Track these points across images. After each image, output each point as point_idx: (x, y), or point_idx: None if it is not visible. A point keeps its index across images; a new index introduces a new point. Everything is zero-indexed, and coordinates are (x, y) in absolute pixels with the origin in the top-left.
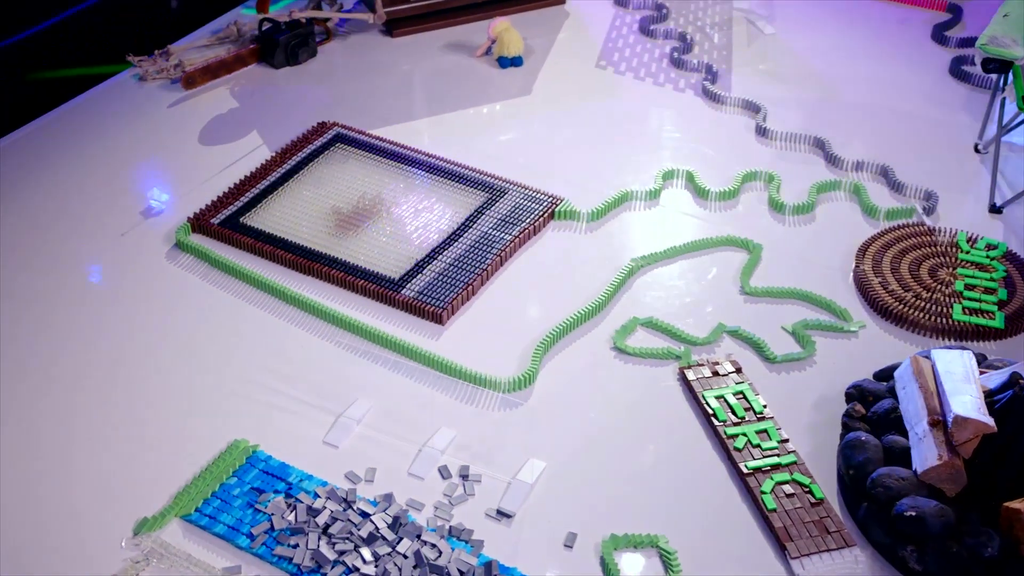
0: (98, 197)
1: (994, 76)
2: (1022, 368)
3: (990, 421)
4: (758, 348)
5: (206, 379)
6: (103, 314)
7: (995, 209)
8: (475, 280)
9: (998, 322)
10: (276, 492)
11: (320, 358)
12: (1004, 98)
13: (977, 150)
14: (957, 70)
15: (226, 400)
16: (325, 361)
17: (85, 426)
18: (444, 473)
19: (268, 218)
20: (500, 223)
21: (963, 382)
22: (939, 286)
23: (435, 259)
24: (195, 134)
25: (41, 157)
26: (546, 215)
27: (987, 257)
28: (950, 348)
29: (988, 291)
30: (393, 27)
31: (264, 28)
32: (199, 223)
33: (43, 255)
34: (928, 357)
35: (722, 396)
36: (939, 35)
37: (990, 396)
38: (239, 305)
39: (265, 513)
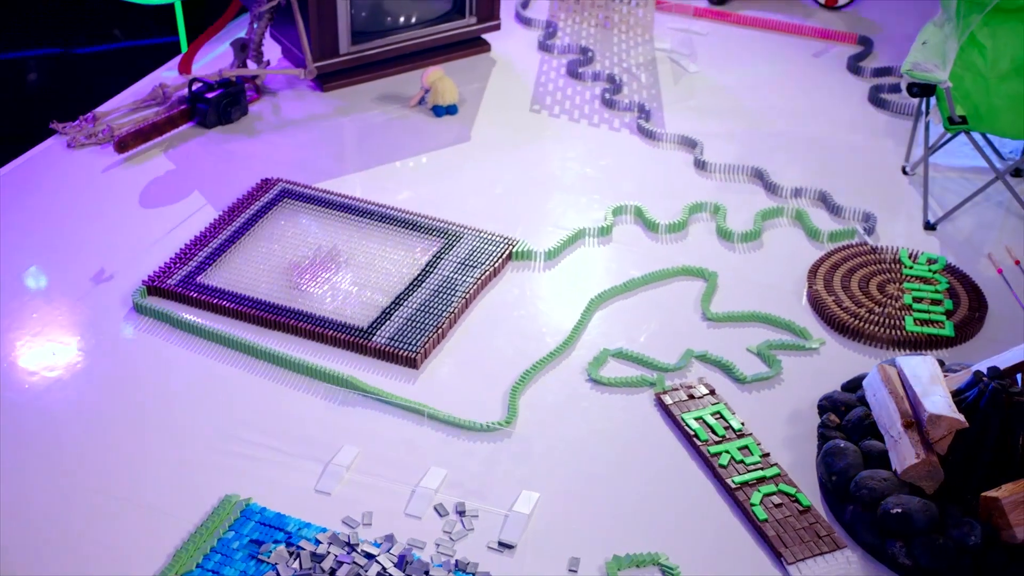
0: (48, 264)
1: (915, 101)
2: (981, 368)
3: (961, 417)
4: (727, 370)
5: (188, 438)
6: (69, 381)
7: (929, 226)
8: (444, 323)
9: (948, 331)
10: (276, 542)
11: (299, 409)
12: (929, 120)
13: (904, 172)
14: (876, 98)
15: (211, 457)
16: (304, 412)
17: (66, 493)
18: (440, 511)
19: (225, 276)
20: (460, 266)
21: (931, 384)
22: (889, 300)
23: (401, 305)
24: (135, 197)
25: None
26: (504, 256)
27: (929, 271)
28: (912, 356)
29: (935, 302)
30: (324, 81)
31: (195, 88)
32: (155, 286)
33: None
34: (893, 365)
35: (700, 417)
36: (854, 66)
37: (957, 395)
38: (208, 363)
39: (269, 563)
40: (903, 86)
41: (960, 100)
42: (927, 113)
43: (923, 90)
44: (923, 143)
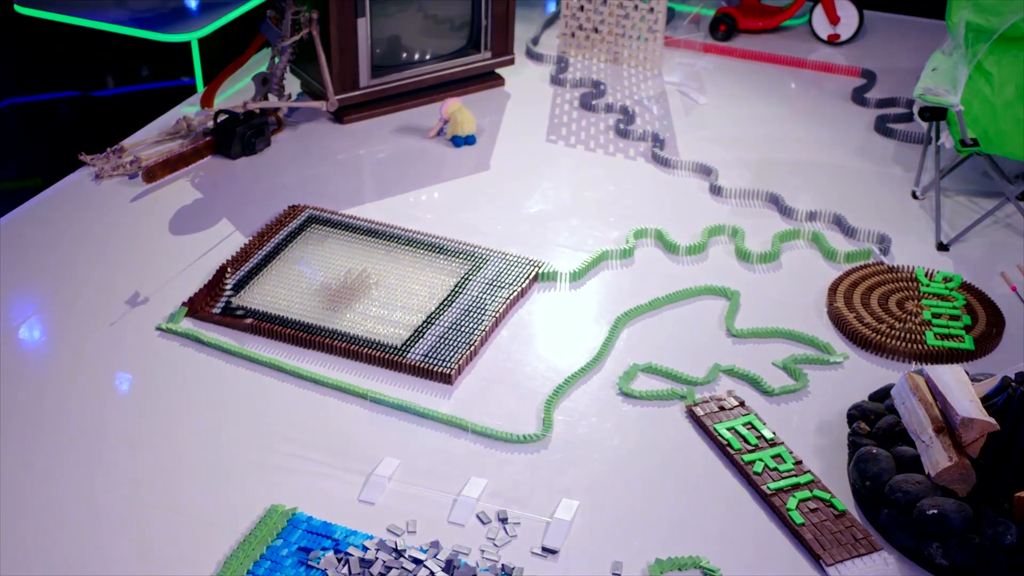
0: (78, 292)
1: (922, 130)
2: (1009, 375)
3: (993, 420)
4: (755, 383)
5: (232, 452)
6: (112, 400)
7: (942, 247)
8: (476, 340)
9: (968, 344)
10: (324, 549)
11: (338, 424)
12: (941, 144)
13: (915, 196)
14: (882, 127)
15: (255, 470)
16: (343, 427)
17: (113, 506)
18: (483, 518)
19: (259, 298)
20: (488, 287)
21: (960, 390)
22: (909, 316)
23: (433, 324)
24: (164, 225)
25: (8, 258)
26: (530, 278)
27: (946, 288)
28: (938, 366)
29: (954, 318)
30: (343, 114)
31: (220, 120)
32: (192, 307)
33: (40, 352)
34: (920, 374)
35: (733, 427)
36: (859, 97)
37: (986, 400)
38: (247, 382)
39: (318, 569)
40: (915, 110)
41: (970, 125)
42: (938, 138)
43: (934, 114)
44: (934, 166)
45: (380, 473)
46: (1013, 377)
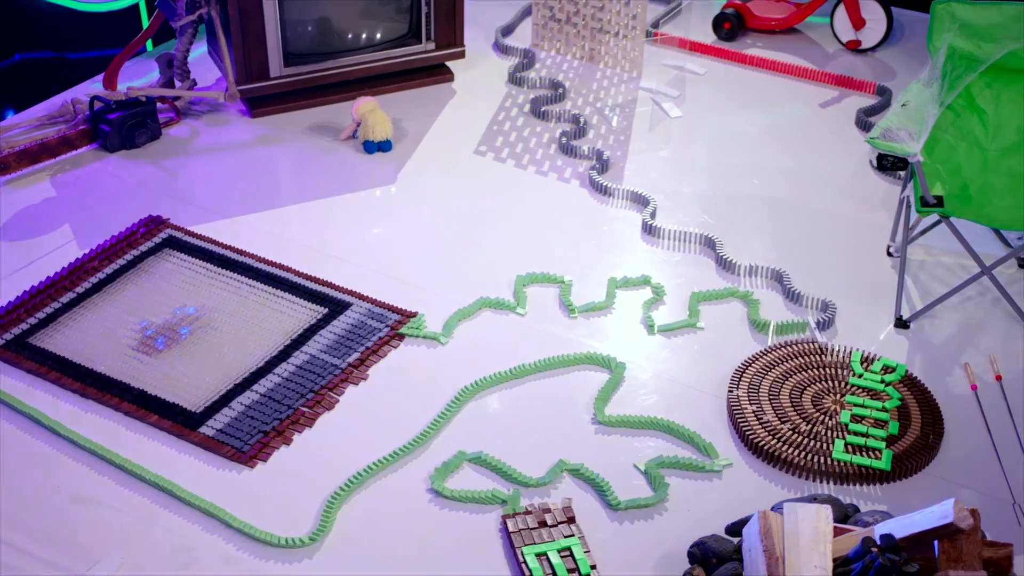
0: None
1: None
2: (886, 529)
3: None
4: (601, 491)
5: None
6: None
7: (902, 323)
8: (286, 416)
9: (884, 463)
10: None
11: (70, 502)
12: (907, 197)
13: (889, 253)
14: (882, 160)
15: None
16: (72, 509)
17: None
18: None
19: (66, 334)
20: (334, 345)
21: (811, 548)
22: (822, 417)
23: (248, 389)
24: None
25: None
26: (388, 336)
27: (882, 382)
28: (804, 501)
29: (878, 423)
30: (253, 106)
31: (96, 107)
32: None
33: None
34: (780, 512)
35: (544, 553)
36: (863, 120)
37: (843, 564)
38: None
39: None
40: (871, 156)
41: (949, 175)
42: (904, 188)
43: (895, 163)
44: (902, 224)
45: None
46: (878, 539)
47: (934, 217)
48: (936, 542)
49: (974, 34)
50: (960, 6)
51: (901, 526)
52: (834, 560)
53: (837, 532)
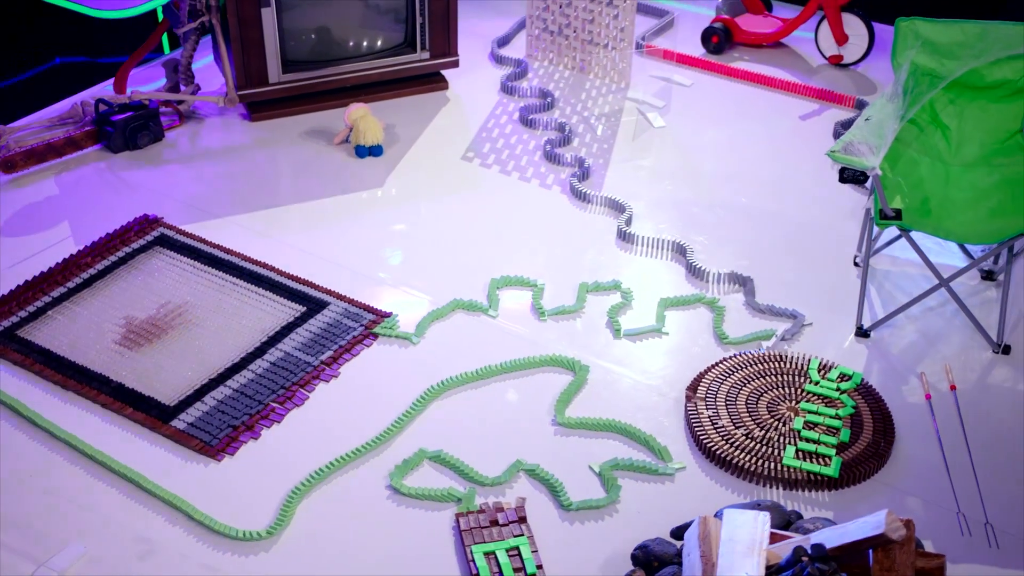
0: None
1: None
2: (820, 538)
3: None
4: (554, 491)
5: None
6: None
7: (862, 332)
8: (256, 412)
9: (832, 470)
10: None
11: (39, 493)
12: (868, 209)
13: (856, 263)
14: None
15: None
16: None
17: None
18: None
19: (53, 327)
20: (309, 343)
21: (745, 555)
22: (775, 423)
23: (222, 384)
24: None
25: None
26: (362, 335)
27: (837, 390)
28: (744, 507)
29: (830, 430)
30: (253, 111)
31: (101, 110)
32: None
33: None
34: (719, 518)
35: (493, 552)
36: (839, 133)
37: (776, 572)
38: None
39: None
40: (833, 169)
41: (911, 189)
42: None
43: (856, 176)
44: (866, 237)
45: (52, 566)
46: (808, 548)
47: (882, 235)
48: (871, 552)
49: (936, 51)
50: (923, 24)
51: (835, 535)
52: (769, 567)
53: (776, 539)
